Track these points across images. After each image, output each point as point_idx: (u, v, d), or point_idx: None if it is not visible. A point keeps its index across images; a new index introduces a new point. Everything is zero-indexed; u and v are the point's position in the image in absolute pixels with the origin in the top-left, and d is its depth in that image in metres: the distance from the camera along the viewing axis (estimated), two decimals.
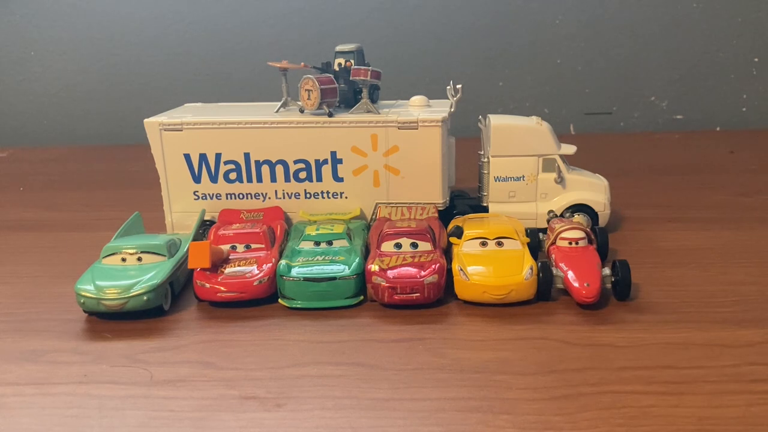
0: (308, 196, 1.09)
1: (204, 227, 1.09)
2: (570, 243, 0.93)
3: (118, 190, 1.48)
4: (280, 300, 0.90)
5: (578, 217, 1.03)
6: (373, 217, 1.09)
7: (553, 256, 0.92)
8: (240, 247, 0.94)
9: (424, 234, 0.93)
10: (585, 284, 0.84)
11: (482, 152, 1.12)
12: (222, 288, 0.88)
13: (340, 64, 1.10)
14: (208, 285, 0.88)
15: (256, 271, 0.89)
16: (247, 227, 0.98)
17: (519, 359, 0.74)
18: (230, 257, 0.93)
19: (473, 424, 0.63)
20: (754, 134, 1.83)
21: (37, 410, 0.68)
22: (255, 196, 1.09)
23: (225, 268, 0.90)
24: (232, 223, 1.02)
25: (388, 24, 1.88)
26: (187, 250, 0.92)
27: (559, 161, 1.08)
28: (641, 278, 0.92)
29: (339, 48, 1.10)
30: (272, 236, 0.98)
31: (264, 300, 0.89)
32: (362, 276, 0.89)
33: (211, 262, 0.88)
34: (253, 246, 0.95)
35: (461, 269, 0.88)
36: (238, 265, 0.90)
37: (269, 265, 0.90)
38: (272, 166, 1.08)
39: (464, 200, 1.15)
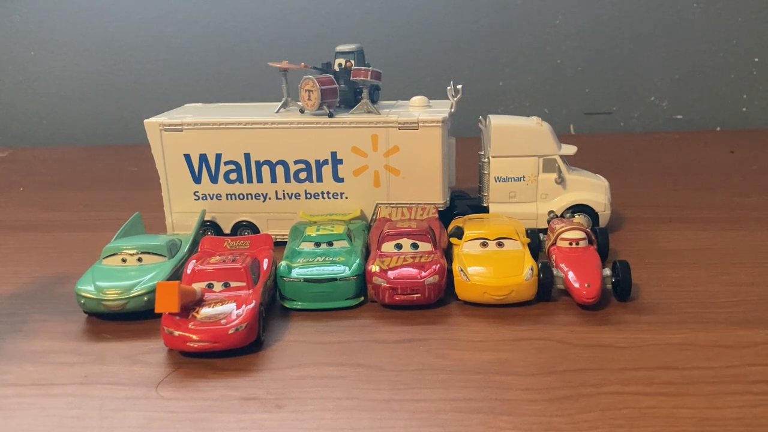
0: (308, 196, 1.09)
1: (204, 227, 1.09)
2: (570, 243, 0.93)
3: (118, 190, 1.48)
4: (280, 301, 0.90)
5: (579, 218, 1.03)
6: (374, 217, 1.09)
7: (554, 256, 0.92)
8: (217, 285, 0.83)
9: (424, 234, 0.93)
10: (585, 285, 0.84)
11: (482, 152, 1.12)
12: (193, 336, 0.75)
13: (340, 65, 1.10)
14: (176, 332, 0.75)
15: (234, 317, 0.77)
16: (227, 261, 0.85)
17: (519, 360, 0.74)
18: (205, 297, 0.81)
19: (474, 425, 0.63)
20: (754, 134, 1.83)
21: (37, 411, 0.68)
22: (255, 196, 1.09)
23: (198, 312, 0.79)
24: (213, 253, 0.91)
25: (388, 24, 1.88)
26: (187, 251, 0.91)
27: (560, 161, 1.08)
28: (642, 279, 0.92)
29: (339, 48, 1.11)
30: (256, 271, 0.87)
31: (241, 350, 0.77)
32: (363, 277, 0.89)
33: (181, 304, 0.77)
34: (233, 284, 0.83)
35: (462, 270, 0.88)
36: (213, 308, 0.79)
37: (249, 307, 0.78)
38: (272, 166, 1.08)
39: (464, 201, 1.15)
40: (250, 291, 0.82)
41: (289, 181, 1.08)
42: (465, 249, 0.92)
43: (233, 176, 1.08)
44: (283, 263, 0.90)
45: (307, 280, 0.87)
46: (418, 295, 0.86)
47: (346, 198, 1.09)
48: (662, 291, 0.89)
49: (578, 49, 1.89)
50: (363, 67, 1.05)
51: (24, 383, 0.73)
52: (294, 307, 0.88)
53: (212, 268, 0.84)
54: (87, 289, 0.85)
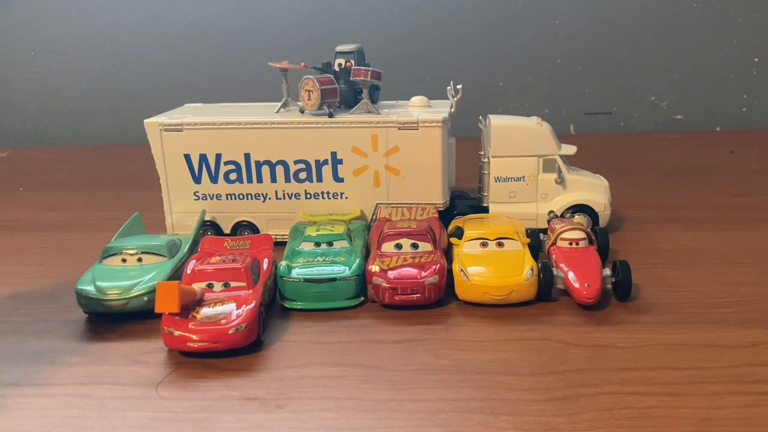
0: (308, 196, 1.09)
1: (204, 227, 1.09)
2: (570, 243, 0.93)
3: (118, 190, 1.48)
4: (280, 301, 0.90)
5: (579, 218, 1.03)
6: (374, 217, 1.09)
7: (554, 256, 0.92)
8: (217, 285, 0.83)
9: (424, 234, 0.93)
10: (585, 285, 0.84)
11: (482, 152, 1.12)
12: (193, 337, 0.75)
13: (340, 65, 1.10)
14: (176, 332, 0.75)
15: (233, 317, 0.77)
16: (227, 261, 0.85)
17: (519, 360, 0.74)
18: (205, 297, 0.81)
19: (474, 425, 0.63)
20: (754, 134, 1.83)
21: (37, 411, 0.68)
22: (255, 196, 1.09)
23: (198, 312, 0.79)
24: (213, 253, 0.91)
25: (388, 24, 1.88)
26: (186, 251, 0.91)
27: (560, 161, 1.08)
28: (642, 279, 0.91)
29: (339, 48, 1.11)
30: (256, 271, 0.87)
31: (241, 350, 0.77)
32: (363, 277, 0.89)
33: (181, 304, 0.77)
34: (233, 284, 0.83)
35: (462, 270, 0.88)
36: (213, 308, 0.79)
37: (249, 307, 0.78)
38: (272, 166, 1.08)
39: (464, 201, 1.15)
40: (250, 291, 0.82)
41: (289, 181, 1.08)
42: (465, 249, 0.92)
43: (233, 176, 1.08)
44: (283, 263, 0.90)
45: (307, 280, 0.87)
46: (418, 295, 0.86)
47: (346, 198, 1.09)
48: (662, 291, 0.89)
49: (578, 49, 1.89)
50: (363, 67, 1.05)
51: (24, 383, 0.73)
52: (294, 307, 0.88)
53: (212, 268, 0.84)
54: (87, 289, 0.85)
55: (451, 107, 1.10)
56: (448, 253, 0.96)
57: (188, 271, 0.86)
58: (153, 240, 0.95)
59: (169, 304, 0.76)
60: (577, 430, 0.62)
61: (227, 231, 1.10)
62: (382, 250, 0.92)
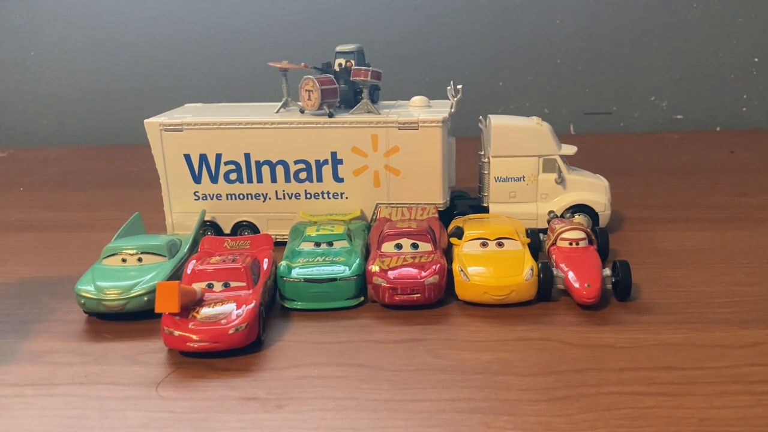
0: (308, 196, 1.09)
1: (204, 227, 1.09)
2: (570, 243, 0.93)
3: (118, 190, 1.48)
4: (280, 301, 0.90)
5: (579, 218, 1.03)
6: (374, 217, 1.09)
7: (554, 256, 0.92)
8: (217, 285, 0.83)
9: (424, 234, 0.93)
10: (585, 285, 0.84)
11: (483, 152, 1.12)
12: (193, 336, 0.75)
13: (340, 65, 1.10)
14: (176, 332, 0.75)
15: (234, 317, 0.77)
16: (227, 261, 0.85)
17: (520, 360, 0.74)
18: (205, 297, 0.81)
19: (474, 425, 0.63)
20: (754, 134, 1.83)
21: (37, 411, 0.68)
22: (255, 196, 1.09)
23: (198, 312, 0.79)
24: (213, 253, 0.91)
25: (388, 24, 1.88)
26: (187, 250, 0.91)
27: (560, 162, 1.08)
28: (642, 279, 0.92)
29: (339, 48, 1.11)
30: (256, 271, 0.87)
31: (241, 350, 0.77)
32: (363, 277, 0.89)
33: (181, 304, 0.77)
34: (233, 284, 0.83)
35: (462, 270, 0.88)
36: (213, 308, 0.79)
37: (249, 307, 0.78)
38: (272, 166, 1.08)
39: (465, 201, 1.15)
40: (250, 291, 0.82)
41: (289, 181, 1.08)
42: (465, 249, 0.92)
43: (233, 176, 1.08)
44: (283, 263, 0.90)
45: (307, 280, 0.87)
46: (418, 295, 0.86)
47: (346, 198, 1.09)
48: (662, 291, 0.89)
49: (578, 49, 1.89)
50: (363, 67, 1.05)
51: (24, 383, 0.73)
52: (294, 307, 0.88)
53: (212, 268, 0.84)
54: (87, 289, 0.85)
55: (451, 107, 1.10)
56: (448, 253, 0.96)
57: (188, 271, 0.86)
58: (153, 240, 0.95)
59: (169, 304, 0.76)
60: (577, 430, 0.62)
61: (227, 231, 1.11)
62: (382, 250, 0.92)
